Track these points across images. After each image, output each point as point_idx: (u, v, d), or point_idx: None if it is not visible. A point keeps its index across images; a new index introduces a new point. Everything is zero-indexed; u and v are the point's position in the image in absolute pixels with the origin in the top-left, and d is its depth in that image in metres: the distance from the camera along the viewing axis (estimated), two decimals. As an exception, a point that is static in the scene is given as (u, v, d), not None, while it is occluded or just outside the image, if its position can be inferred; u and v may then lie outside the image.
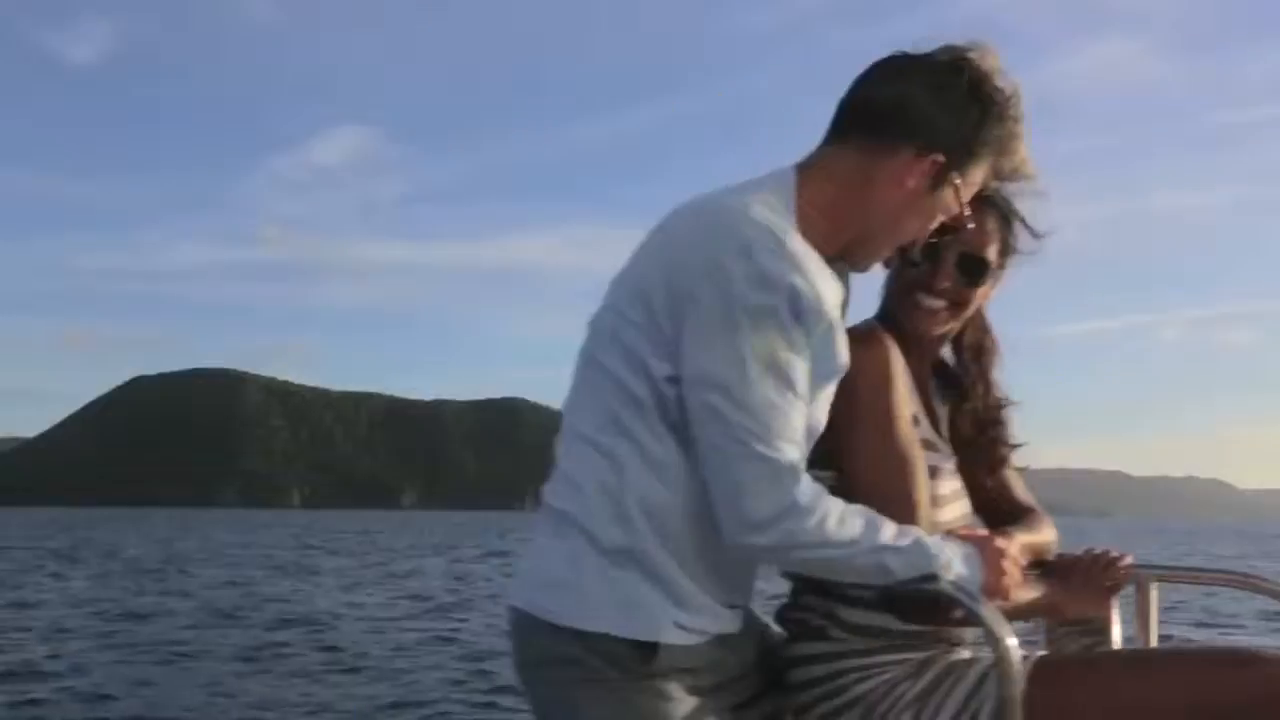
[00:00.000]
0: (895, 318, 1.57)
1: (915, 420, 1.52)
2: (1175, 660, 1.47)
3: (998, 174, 1.44)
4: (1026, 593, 1.48)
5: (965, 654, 1.52)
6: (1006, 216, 1.56)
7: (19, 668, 9.28)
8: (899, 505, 1.40)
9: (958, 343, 1.66)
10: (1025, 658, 1.43)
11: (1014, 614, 1.47)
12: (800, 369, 1.30)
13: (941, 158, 1.35)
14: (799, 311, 1.29)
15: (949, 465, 1.57)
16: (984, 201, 1.51)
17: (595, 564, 1.36)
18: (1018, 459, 1.71)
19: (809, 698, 1.52)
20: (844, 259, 1.42)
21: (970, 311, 1.59)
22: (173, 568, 24.03)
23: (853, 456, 1.46)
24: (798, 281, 1.28)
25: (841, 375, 1.38)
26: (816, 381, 1.34)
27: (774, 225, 1.31)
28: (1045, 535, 1.65)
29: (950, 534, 1.41)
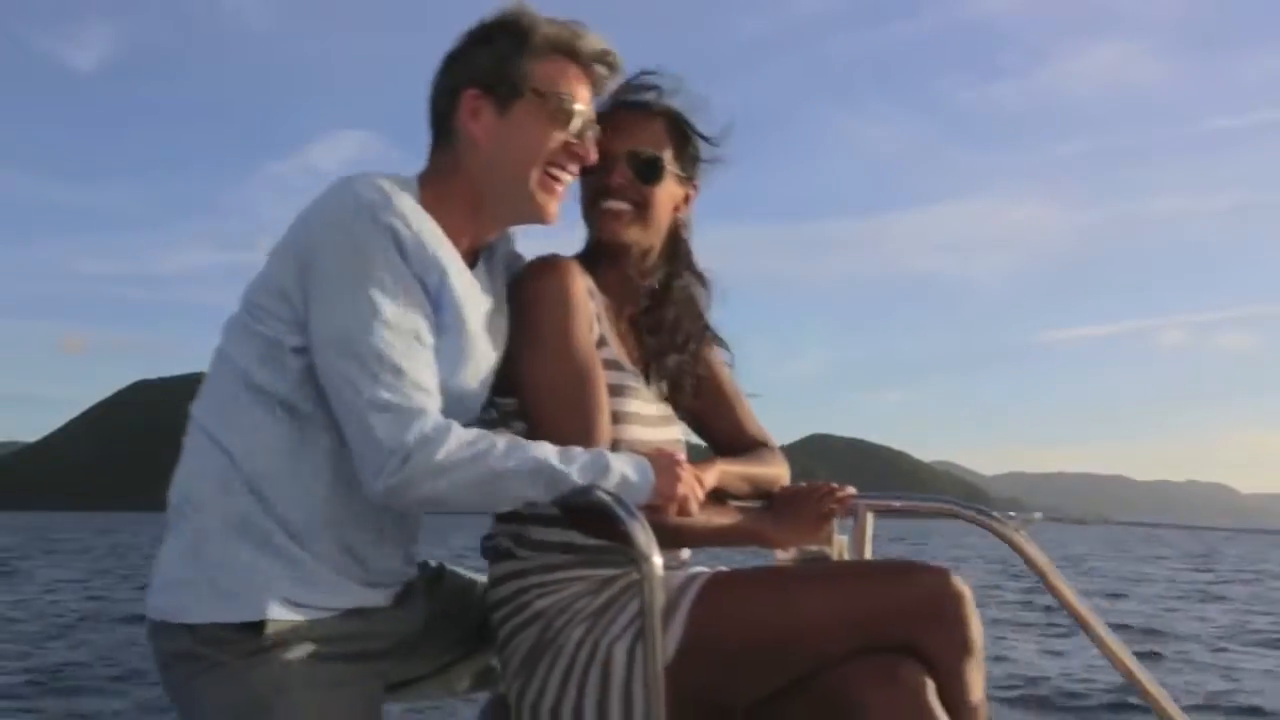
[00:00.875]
0: (596, 245, 1.63)
1: (602, 341, 1.57)
2: (839, 574, 1.54)
3: (584, 66, 1.51)
4: (727, 516, 1.57)
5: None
6: (677, 124, 1.62)
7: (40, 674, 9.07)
8: (574, 423, 1.45)
9: (667, 275, 1.69)
10: (696, 576, 1.49)
11: (722, 540, 1.57)
12: (419, 313, 1.36)
13: (489, 82, 1.46)
14: (406, 256, 1.36)
15: (637, 384, 1.61)
16: (649, 112, 1.61)
17: (204, 555, 1.39)
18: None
19: (498, 618, 1.55)
20: (505, 224, 1.55)
21: (658, 217, 1.62)
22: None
23: (528, 381, 1.50)
24: (402, 229, 1.36)
25: (464, 326, 1.44)
26: (445, 326, 1.41)
27: (384, 185, 1.39)
28: (771, 469, 1.70)
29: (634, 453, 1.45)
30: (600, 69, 1.53)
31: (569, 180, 1.52)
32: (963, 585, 1.44)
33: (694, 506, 1.44)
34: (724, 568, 1.55)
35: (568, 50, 1.48)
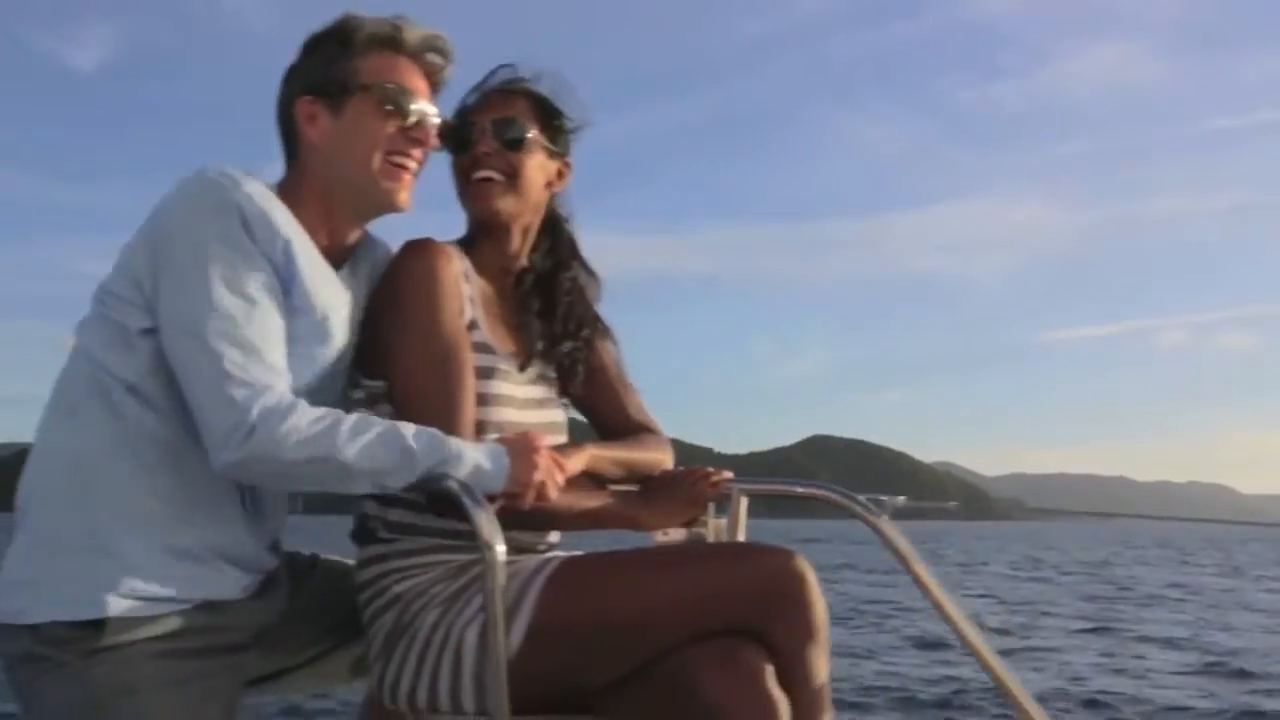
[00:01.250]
0: (474, 225, 1.67)
1: (474, 325, 1.58)
2: (684, 558, 1.53)
3: (412, 56, 1.55)
4: (596, 500, 1.59)
5: (516, 558, 1.50)
6: (539, 100, 1.67)
7: None
8: (437, 406, 1.46)
9: (555, 264, 1.73)
10: (550, 560, 1.51)
11: (590, 524, 1.58)
12: (266, 292, 1.38)
13: (320, 87, 1.51)
14: (253, 234, 1.38)
15: (509, 367, 1.62)
16: (511, 91, 1.66)
17: (44, 553, 1.39)
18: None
19: (362, 601, 1.56)
20: (363, 218, 1.57)
21: (528, 187, 1.64)
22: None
23: (394, 362, 1.52)
24: (248, 207, 1.38)
25: (317, 311, 1.45)
26: (295, 308, 1.42)
27: (233, 171, 1.42)
28: (651, 454, 1.71)
29: (506, 436, 1.47)
30: (432, 56, 1.57)
31: (414, 165, 1.55)
32: (804, 566, 1.45)
33: (552, 492, 1.45)
34: (581, 552, 1.57)
35: (391, 43, 1.53)
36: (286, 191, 1.48)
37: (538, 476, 1.42)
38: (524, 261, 1.69)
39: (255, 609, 1.48)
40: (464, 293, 1.58)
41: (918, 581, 1.61)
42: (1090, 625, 13.38)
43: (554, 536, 1.67)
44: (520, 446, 1.43)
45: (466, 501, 1.34)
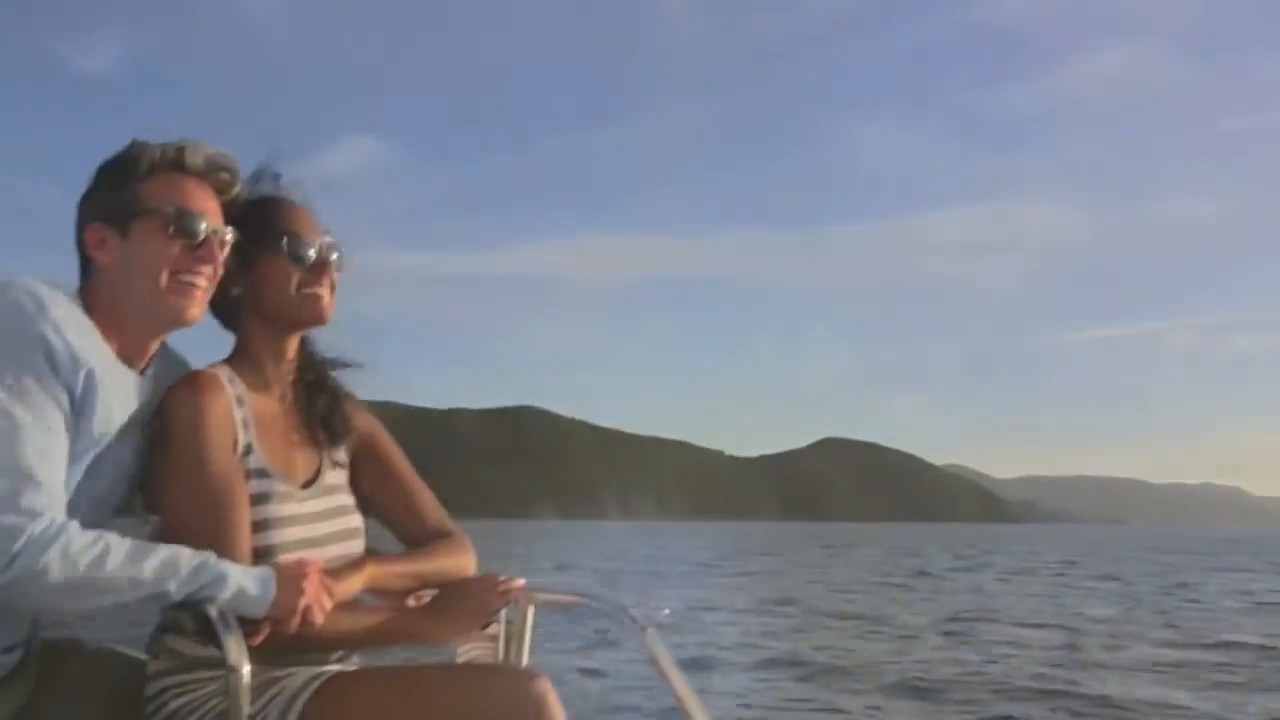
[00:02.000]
0: (239, 347, 1.72)
1: (249, 450, 1.63)
2: (431, 677, 1.59)
3: (198, 176, 1.62)
4: (374, 617, 1.64)
5: (292, 672, 1.57)
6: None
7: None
8: (207, 539, 1.50)
9: (299, 369, 1.76)
10: (319, 675, 1.56)
11: (370, 642, 1.64)
12: (54, 420, 1.43)
13: (107, 213, 1.57)
14: (56, 365, 1.43)
15: (288, 487, 1.66)
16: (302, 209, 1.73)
17: None
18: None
19: (146, 713, 1.59)
20: (156, 332, 1.61)
21: (254, 298, 1.68)
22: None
23: (164, 498, 1.57)
24: (54, 338, 1.44)
25: (110, 429, 1.52)
26: (84, 432, 1.47)
27: (41, 293, 1.46)
28: (444, 561, 1.75)
29: (279, 561, 1.55)
30: (220, 174, 1.64)
31: (204, 282, 1.59)
32: (545, 689, 1.52)
33: (318, 617, 1.51)
34: (354, 666, 1.67)
35: (176, 165, 1.60)
36: (85, 305, 1.54)
37: (303, 602, 1.49)
38: (292, 374, 1.74)
39: (13, 695, 1.55)
40: (236, 420, 1.62)
41: (675, 694, 1.69)
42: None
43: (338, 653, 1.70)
44: (289, 573, 1.50)
45: (218, 625, 1.42)
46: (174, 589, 1.42)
